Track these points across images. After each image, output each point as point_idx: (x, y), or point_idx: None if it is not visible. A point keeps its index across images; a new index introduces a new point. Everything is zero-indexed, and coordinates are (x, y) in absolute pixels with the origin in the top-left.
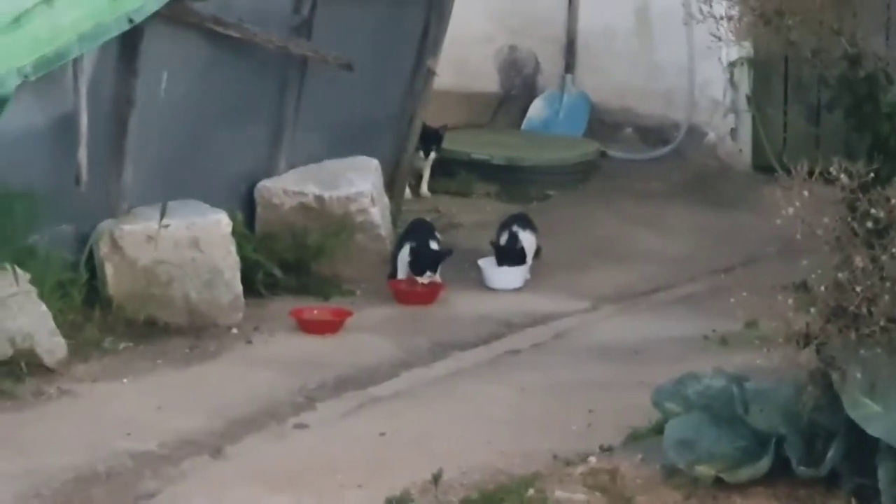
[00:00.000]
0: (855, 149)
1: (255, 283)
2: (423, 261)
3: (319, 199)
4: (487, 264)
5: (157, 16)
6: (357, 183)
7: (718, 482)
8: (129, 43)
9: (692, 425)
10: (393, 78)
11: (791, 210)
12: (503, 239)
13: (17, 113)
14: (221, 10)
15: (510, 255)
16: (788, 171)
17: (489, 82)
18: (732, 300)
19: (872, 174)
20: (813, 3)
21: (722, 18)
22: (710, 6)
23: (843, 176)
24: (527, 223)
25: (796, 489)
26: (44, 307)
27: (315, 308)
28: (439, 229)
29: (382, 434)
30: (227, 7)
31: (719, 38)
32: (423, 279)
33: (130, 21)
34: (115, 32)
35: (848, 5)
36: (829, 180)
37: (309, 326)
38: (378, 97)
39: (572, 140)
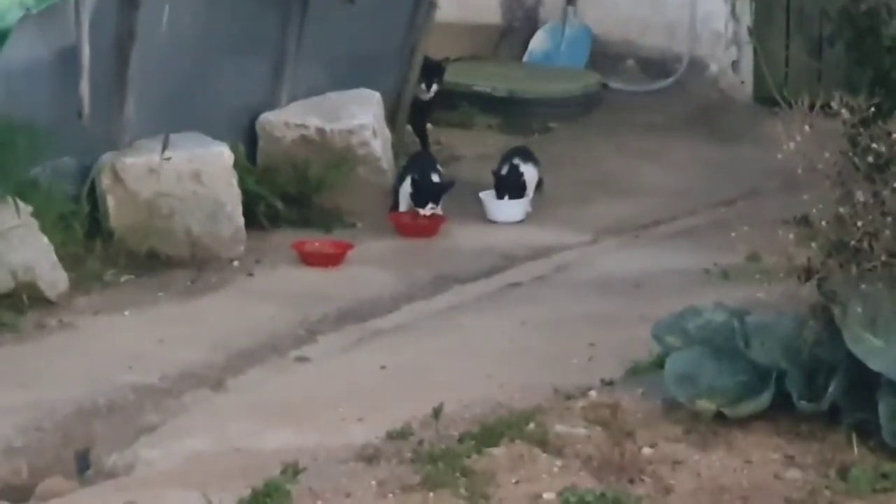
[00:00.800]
0: (856, 82)
1: (256, 216)
2: (424, 193)
3: (321, 131)
4: (489, 197)
5: None
6: (359, 115)
7: (719, 416)
8: None
9: (693, 359)
10: (394, 10)
11: (792, 145)
12: (504, 171)
13: (18, 46)
14: None
15: (511, 186)
16: (790, 105)
17: (491, 14)
18: (734, 234)
19: (873, 108)
20: None
21: None
22: None
23: (844, 110)
24: (528, 156)
25: (797, 424)
26: (45, 240)
27: (316, 241)
28: (441, 162)
29: (383, 367)
30: None
31: None
32: (425, 211)
33: None
34: None
35: None
36: (830, 114)
37: (310, 259)
38: (379, 30)
39: (574, 72)
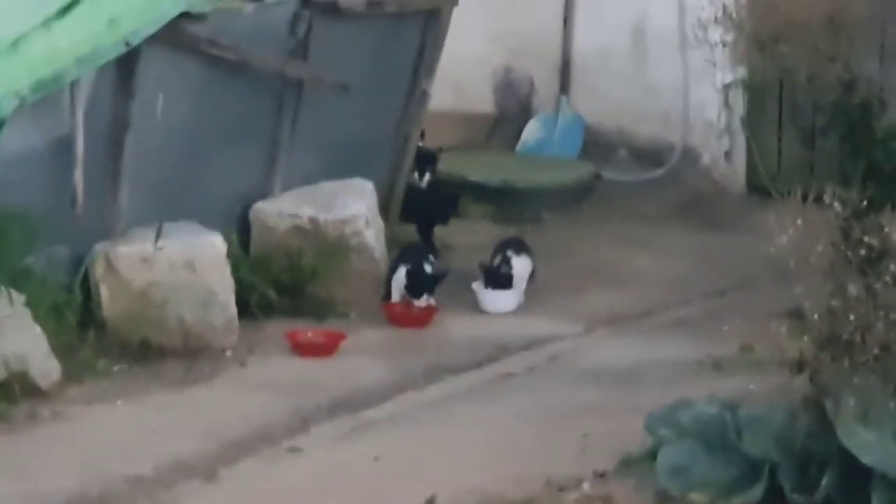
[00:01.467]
0: (849, 174)
1: (249, 305)
2: (419, 284)
3: (314, 221)
4: (481, 287)
5: (153, 38)
6: (352, 205)
7: None
8: (125, 65)
9: (685, 452)
10: (388, 99)
11: (785, 237)
12: (496, 262)
13: (14, 135)
14: (218, 33)
15: (496, 278)
16: (782, 195)
17: (485, 103)
18: (726, 326)
19: (866, 201)
20: (808, 30)
21: (717, 44)
22: (706, 32)
23: (836, 203)
24: (521, 247)
25: None
26: (38, 329)
27: (309, 330)
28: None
29: (376, 458)
30: (224, 30)
31: (714, 64)
32: (420, 303)
33: (127, 44)
34: (113, 55)
35: (842, 32)
36: (823, 205)
37: (303, 349)
38: (373, 119)
39: (567, 162)
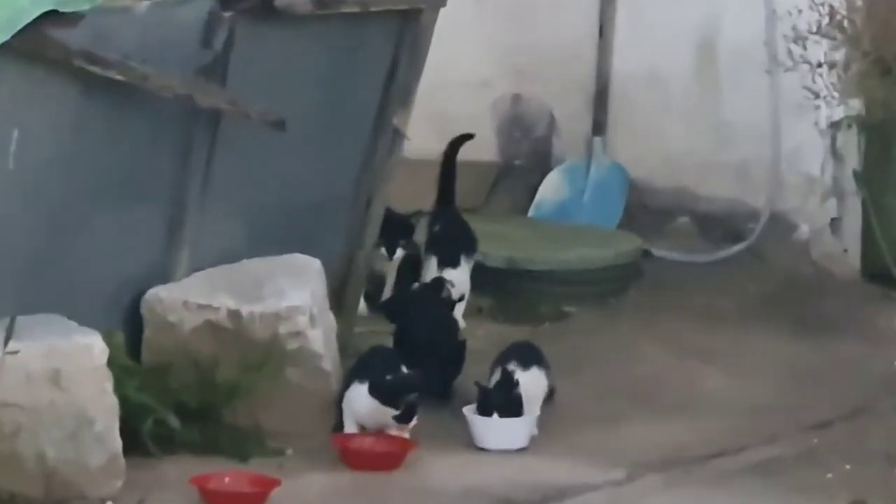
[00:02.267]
0: None
1: (140, 438)
2: (405, 399)
3: (235, 315)
4: (476, 414)
5: (4, 50)
6: (290, 294)
7: None
8: None
9: None
10: (345, 142)
11: None
12: (496, 379)
13: None
14: (99, 44)
15: (498, 402)
16: None
17: (483, 147)
18: (830, 473)
19: None
20: None
21: (821, 66)
22: (804, 48)
23: None
24: (533, 357)
25: None
26: None
27: (227, 474)
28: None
29: None
30: (107, 39)
31: (816, 95)
32: (404, 432)
33: None
34: None
35: None
36: None
37: (219, 501)
38: (323, 170)
39: (602, 233)
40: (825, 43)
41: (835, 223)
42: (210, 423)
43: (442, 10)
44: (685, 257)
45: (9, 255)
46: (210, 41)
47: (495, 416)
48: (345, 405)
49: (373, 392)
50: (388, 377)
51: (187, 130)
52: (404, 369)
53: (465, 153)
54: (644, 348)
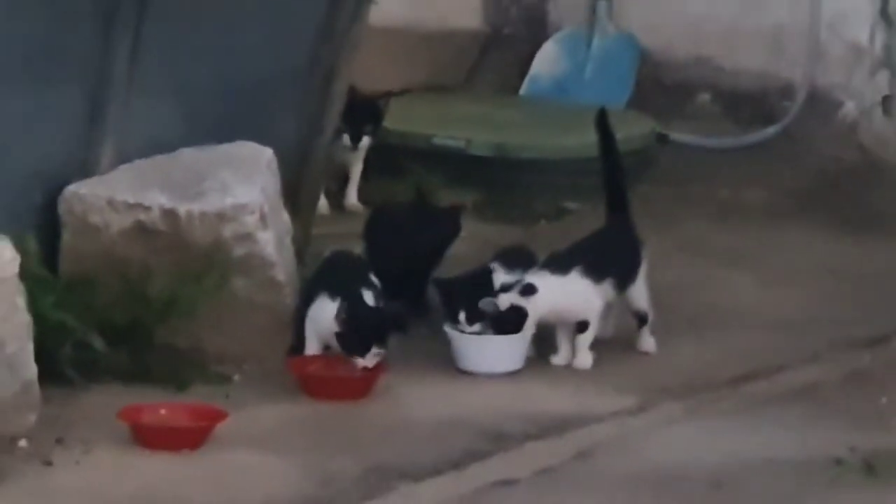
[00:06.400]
0: None
1: (59, 362)
2: (365, 330)
3: (170, 215)
4: (459, 331)
5: None
6: (235, 189)
7: None
8: None
9: None
10: (299, 4)
11: None
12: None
13: None
14: None
15: (486, 316)
16: None
17: (466, 13)
18: (885, 398)
19: None
20: None
21: None
22: None
23: None
24: (525, 263)
25: None
26: None
27: (162, 406)
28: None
29: None
30: None
31: None
32: (367, 361)
33: None
34: None
35: None
36: None
37: (153, 437)
38: (273, 41)
39: (609, 114)
40: None
41: (887, 101)
42: (141, 345)
43: None
44: (707, 142)
45: None
46: None
47: (486, 331)
48: (308, 322)
49: (340, 339)
50: (358, 318)
51: None
52: (374, 280)
53: (447, 20)
54: (659, 252)
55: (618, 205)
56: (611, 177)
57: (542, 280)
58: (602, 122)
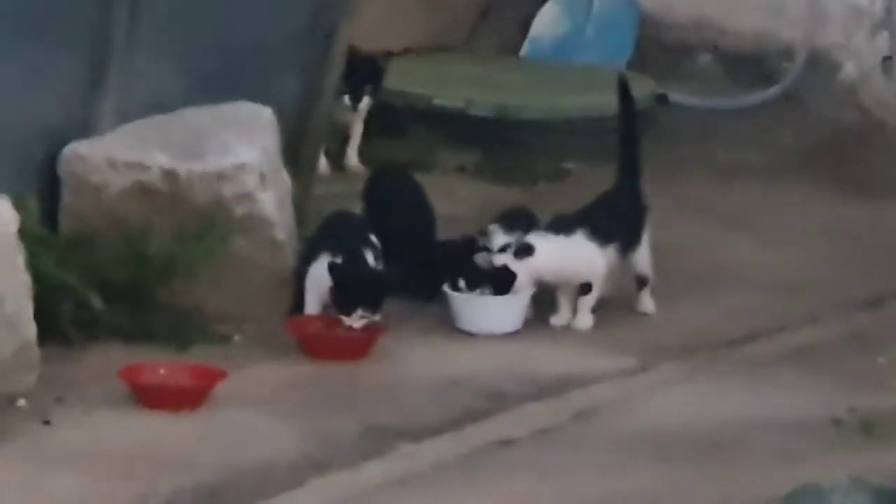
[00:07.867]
0: None
1: (59, 322)
2: (354, 288)
3: (171, 175)
4: (458, 292)
5: None
6: (236, 149)
7: None
8: None
9: None
10: None
11: None
12: (482, 247)
13: None
14: None
15: (485, 276)
16: None
17: None
18: (882, 358)
19: None
20: None
21: None
22: None
23: None
24: (527, 224)
25: None
26: None
27: (162, 366)
28: None
29: None
30: None
31: None
32: (354, 321)
33: None
34: None
35: None
36: None
37: (152, 396)
38: (273, 3)
39: (608, 75)
40: None
41: (887, 63)
42: (142, 304)
43: None
44: (707, 103)
45: None
46: None
47: (486, 292)
48: (308, 282)
49: (331, 294)
50: (342, 267)
51: None
52: (374, 239)
53: None
54: (659, 213)
55: (629, 172)
56: (626, 143)
57: (546, 241)
58: (624, 89)
